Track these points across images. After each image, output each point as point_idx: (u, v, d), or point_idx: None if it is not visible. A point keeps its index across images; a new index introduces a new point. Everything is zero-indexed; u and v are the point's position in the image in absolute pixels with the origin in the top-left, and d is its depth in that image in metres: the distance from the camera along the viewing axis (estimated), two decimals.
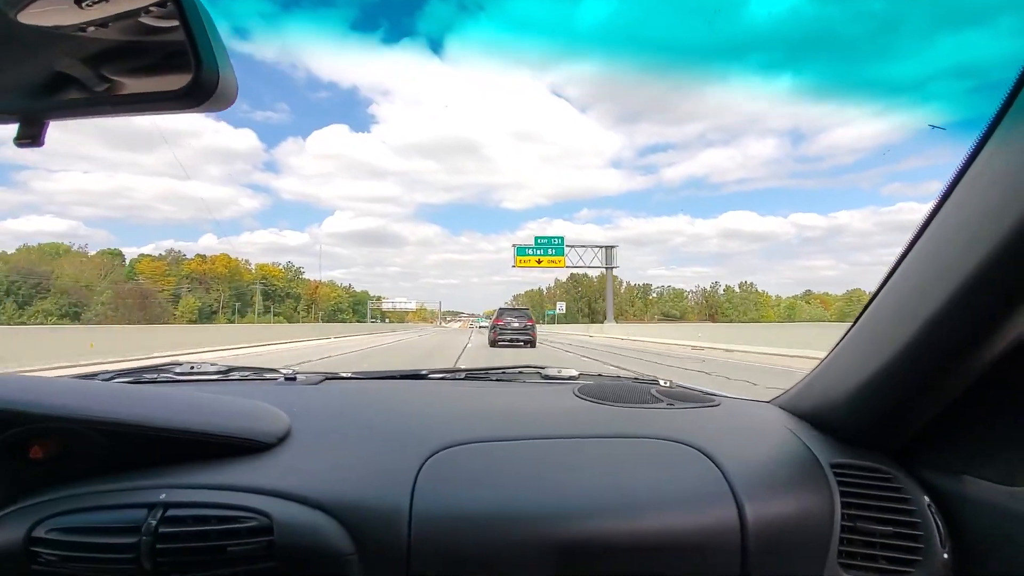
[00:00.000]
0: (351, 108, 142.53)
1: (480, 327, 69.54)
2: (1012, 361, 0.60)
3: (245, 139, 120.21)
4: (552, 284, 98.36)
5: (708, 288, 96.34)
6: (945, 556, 0.65)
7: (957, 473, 0.68)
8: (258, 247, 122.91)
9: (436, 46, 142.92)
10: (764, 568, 0.63)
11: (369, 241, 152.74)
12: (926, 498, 0.69)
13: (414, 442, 0.73)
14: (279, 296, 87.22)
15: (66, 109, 0.49)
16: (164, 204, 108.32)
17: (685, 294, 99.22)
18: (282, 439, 0.72)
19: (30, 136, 0.47)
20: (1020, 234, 0.50)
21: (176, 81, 0.45)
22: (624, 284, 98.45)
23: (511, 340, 16.74)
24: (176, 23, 0.44)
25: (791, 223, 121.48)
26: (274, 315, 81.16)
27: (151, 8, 0.44)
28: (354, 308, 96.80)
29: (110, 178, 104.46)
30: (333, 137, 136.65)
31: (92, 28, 0.46)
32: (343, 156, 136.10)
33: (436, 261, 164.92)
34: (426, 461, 0.69)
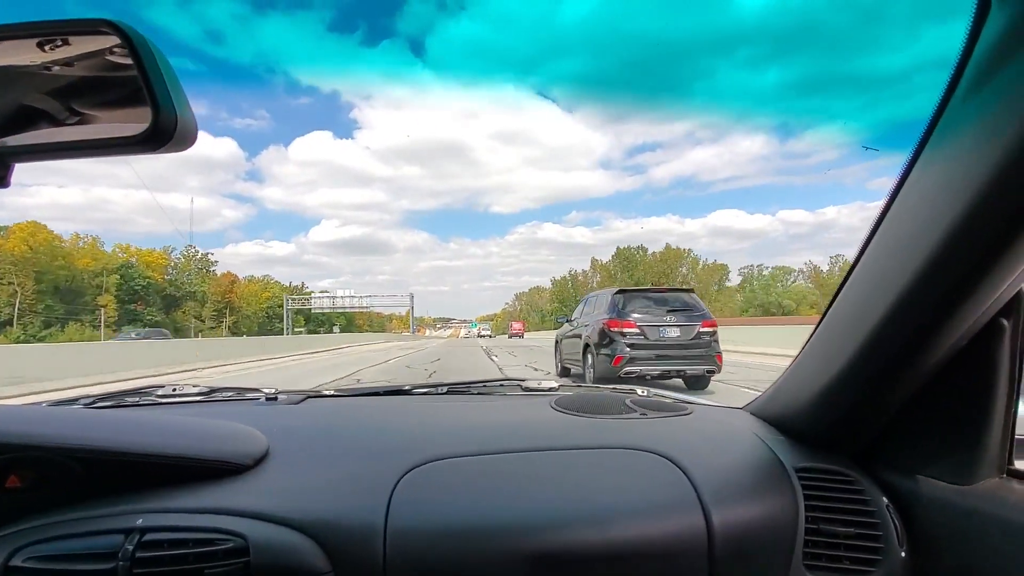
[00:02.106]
0: (333, 113, 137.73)
1: (481, 334, 60.56)
2: (955, 364, 0.64)
3: (225, 147, 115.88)
4: (588, 267, 79.08)
5: (823, 267, 69.41)
6: (903, 554, 0.68)
7: (912, 473, 0.71)
8: (244, 259, 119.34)
9: (417, 48, 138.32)
10: (731, 572, 0.65)
11: (357, 249, 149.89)
12: (884, 499, 0.71)
13: (391, 458, 0.74)
14: (167, 296, 61.79)
15: (31, 152, 0.50)
16: (143, 217, 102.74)
17: (791, 272, 72.45)
18: (260, 460, 0.73)
19: None
20: (948, 249, 0.53)
21: (136, 126, 0.46)
22: (701, 262, 73.61)
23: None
24: (132, 70, 0.45)
25: (779, 220, 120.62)
26: (143, 324, 51.85)
27: (109, 54, 0.46)
28: (312, 315, 76.74)
29: (85, 192, 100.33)
30: (316, 144, 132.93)
31: (54, 71, 0.47)
32: (327, 163, 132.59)
33: (426, 268, 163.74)
34: (402, 477, 0.70)
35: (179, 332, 56.28)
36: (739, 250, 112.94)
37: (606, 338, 6.87)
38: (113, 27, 0.45)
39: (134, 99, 0.46)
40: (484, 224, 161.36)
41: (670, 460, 0.75)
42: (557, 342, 9.51)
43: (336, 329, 68.58)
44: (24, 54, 0.47)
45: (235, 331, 65.93)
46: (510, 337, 48.97)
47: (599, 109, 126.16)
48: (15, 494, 0.62)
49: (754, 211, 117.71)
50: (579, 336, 7.79)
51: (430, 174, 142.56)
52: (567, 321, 8.96)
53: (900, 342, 0.63)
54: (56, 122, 0.49)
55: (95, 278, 55.01)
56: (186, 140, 0.47)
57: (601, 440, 0.82)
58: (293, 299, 69.61)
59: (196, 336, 53.21)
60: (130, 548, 0.57)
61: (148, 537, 0.59)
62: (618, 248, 74.38)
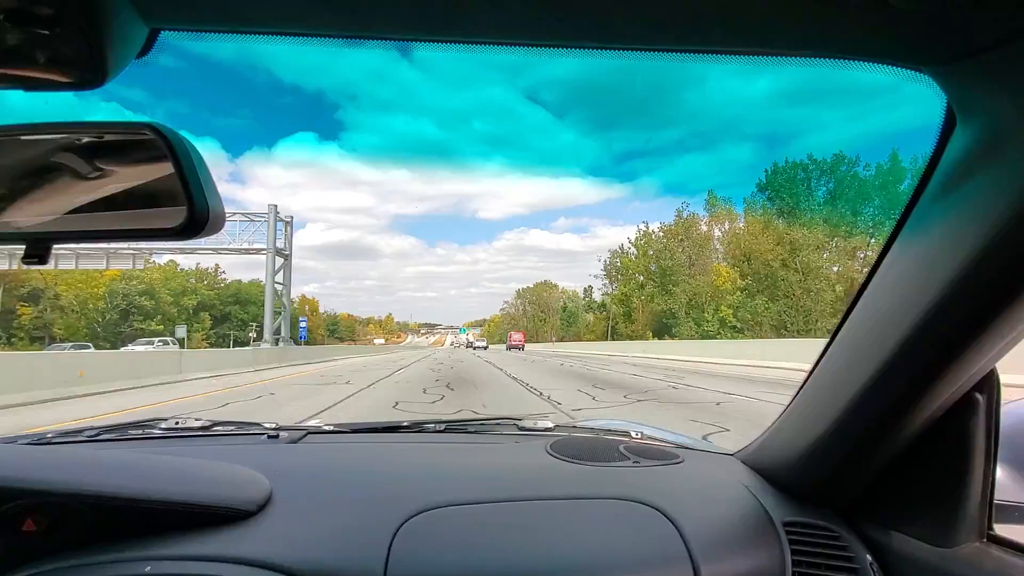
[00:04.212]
0: (317, 114, 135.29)
1: (474, 346, 54.81)
2: (935, 431, 0.67)
3: (207, 147, 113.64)
4: (627, 244, 55.86)
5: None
6: None
7: (895, 531, 0.73)
8: (225, 263, 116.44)
9: (403, 47, 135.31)
10: None
11: (343, 254, 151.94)
12: (868, 556, 0.73)
13: (390, 506, 0.77)
14: None
15: (71, 236, 0.56)
16: None
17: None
18: (263, 506, 0.75)
19: (37, 255, 0.52)
20: (921, 330, 0.56)
21: (171, 217, 0.51)
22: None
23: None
24: (170, 167, 0.50)
25: None
26: None
27: (148, 152, 0.51)
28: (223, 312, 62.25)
29: None
30: (300, 145, 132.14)
31: (93, 158, 0.52)
32: (312, 165, 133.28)
33: (413, 274, 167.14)
34: (401, 526, 0.72)
35: None
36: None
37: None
38: (155, 131, 0.50)
39: (170, 192, 0.50)
40: (472, 230, 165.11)
41: (662, 512, 0.77)
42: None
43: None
44: (69, 146, 0.52)
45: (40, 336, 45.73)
46: (508, 349, 45.76)
47: (589, 114, 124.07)
48: (32, 538, 0.64)
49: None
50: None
51: (418, 178, 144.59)
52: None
53: (879, 410, 0.66)
54: (94, 208, 0.54)
55: None
56: (215, 228, 0.51)
57: (595, 490, 0.84)
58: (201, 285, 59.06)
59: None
60: None
61: None
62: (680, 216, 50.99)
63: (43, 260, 0.52)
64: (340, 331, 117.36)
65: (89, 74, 0.41)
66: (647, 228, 54.49)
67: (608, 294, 63.14)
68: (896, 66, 0.49)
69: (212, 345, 62.08)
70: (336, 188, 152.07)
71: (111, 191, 0.54)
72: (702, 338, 38.30)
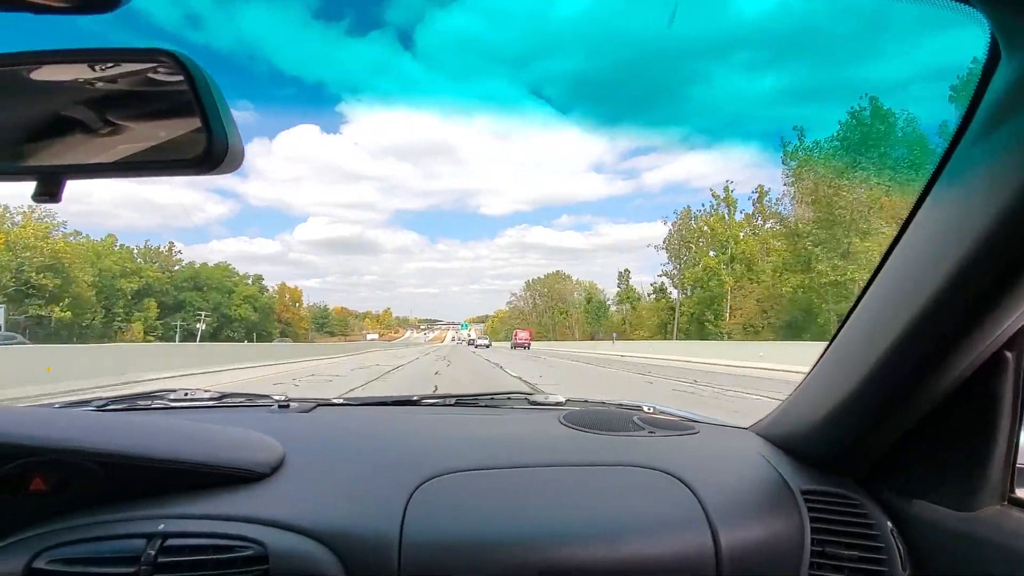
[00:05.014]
0: (319, 106, 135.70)
1: (475, 343, 48.90)
2: (959, 393, 0.65)
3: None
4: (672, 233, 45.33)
5: None
6: None
7: (915, 497, 0.72)
8: (227, 255, 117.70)
9: (406, 39, 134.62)
10: None
11: (344, 249, 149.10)
12: (889, 523, 0.72)
13: (404, 470, 0.75)
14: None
15: (83, 170, 0.52)
16: (125, 211, 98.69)
17: None
18: (276, 468, 0.74)
19: (48, 193, 0.49)
20: (954, 284, 0.54)
21: (188, 148, 0.49)
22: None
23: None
24: (187, 96, 0.47)
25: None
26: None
27: (164, 80, 0.48)
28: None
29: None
30: (302, 138, 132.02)
31: (109, 92, 0.49)
32: (314, 158, 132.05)
33: (414, 269, 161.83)
34: (415, 490, 0.71)
35: None
36: None
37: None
38: (172, 57, 0.47)
39: (187, 124, 0.48)
40: (474, 225, 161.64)
41: (678, 479, 0.76)
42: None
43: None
44: (82, 76, 0.49)
45: None
46: (513, 347, 41.03)
47: (593, 110, 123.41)
48: (39, 497, 0.63)
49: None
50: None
51: (420, 173, 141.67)
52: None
53: (906, 371, 0.64)
54: (108, 141, 0.51)
55: None
56: (234, 163, 0.49)
57: (610, 457, 0.83)
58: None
59: None
60: (152, 553, 0.58)
61: (169, 543, 0.60)
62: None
63: (55, 198, 0.49)
64: (330, 325, 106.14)
65: None
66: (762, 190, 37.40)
67: (670, 274, 45.41)
68: None
69: (160, 339, 49.47)
70: (338, 182, 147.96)
71: (126, 122, 0.51)
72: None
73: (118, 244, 54.98)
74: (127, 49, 0.48)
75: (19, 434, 0.61)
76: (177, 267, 62.32)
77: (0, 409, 0.69)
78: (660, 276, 48.94)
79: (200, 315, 55.77)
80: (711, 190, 49.29)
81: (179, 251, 64.83)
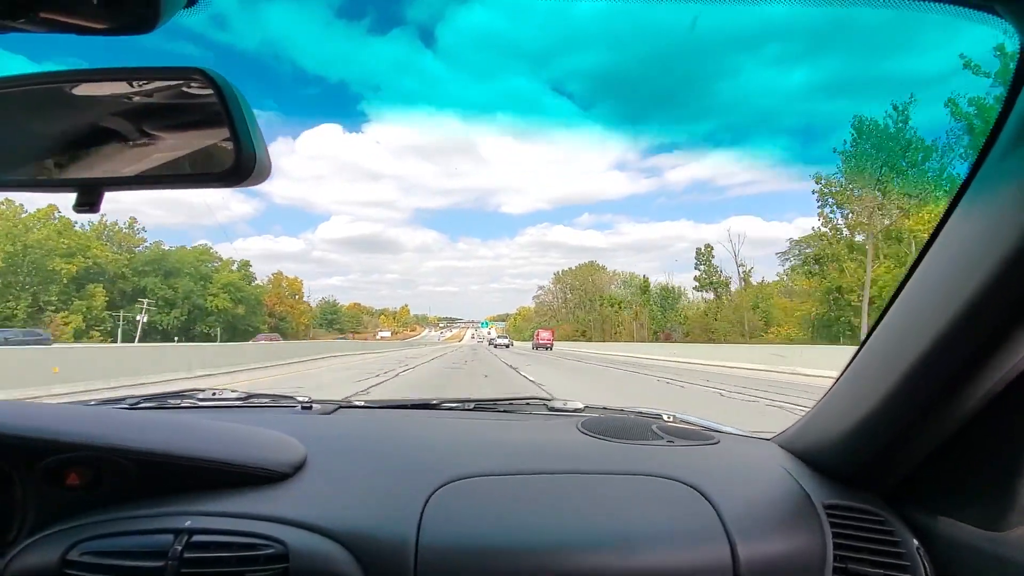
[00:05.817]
0: (341, 105, 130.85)
1: (494, 342, 46.05)
2: (990, 409, 0.63)
3: None
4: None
5: None
6: None
7: (943, 515, 0.70)
8: (251, 254, 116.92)
9: (427, 37, 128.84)
10: None
11: (366, 247, 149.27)
12: (915, 541, 0.70)
13: (423, 474, 0.76)
14: None
15: (121, 182, 0.56)
16: (153, 208, 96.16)
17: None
18: (298, 468, 0.76)
19: (88, 204, 0.51)
20: (986, 297, 0.53)
21: (219, 162, 0.52)
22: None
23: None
24: (219, 111, 0.50)
25: (796, 227, 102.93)
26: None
27: (197, 97, 0.51)
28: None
29: None
30: (324, 137, 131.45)
31: (147, 110, 0.53)
32: (336, 157, 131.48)
33: (434, 268, 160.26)
34: (433, 493, 0.72)
35: None
36: (753, 258, 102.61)
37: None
38: (204, 75, 0.50)
39: (217, 136, 0.51)
40: (494, 224, 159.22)
41: (696, 490, 0.75)
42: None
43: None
44: (121, 94, 0.52)
45: None
46: (535, 348, 39.27)
47: (616, 107, 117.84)
48: (74, 491, 0.66)
49: (771, 218, 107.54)
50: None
51: (441, 171, 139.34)
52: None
53: (935, 386, 0.62)
54: (144, 155, 0.54)
55: None
56: (262, 175, 0.51)
57: (628, 466, 0.82)
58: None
59: None
60: (179, 548, 0.60)
61: (196, 539, 0.62)
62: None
63: (94, 208, 0.51)
64: (341, 322, 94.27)
65: (140, 18, 0.40)
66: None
67: (830, 236, 32.54)
68: (965, 6, 0.45)
69: (104, 334, 37.35)
70: (359, 181, 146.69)
71: (160, 137, 0.54)
72: None
73: (57, 216, 43.25)
74: (162, 68, 0.51)
75: (58, 430, 0.64)
76: (140, 247, 50.51)
77: (38, 406, 0.73)
78: (822, 240, 32.69)
79: (143, 304, 43.63)
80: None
81: (143, 227, 52.81)
